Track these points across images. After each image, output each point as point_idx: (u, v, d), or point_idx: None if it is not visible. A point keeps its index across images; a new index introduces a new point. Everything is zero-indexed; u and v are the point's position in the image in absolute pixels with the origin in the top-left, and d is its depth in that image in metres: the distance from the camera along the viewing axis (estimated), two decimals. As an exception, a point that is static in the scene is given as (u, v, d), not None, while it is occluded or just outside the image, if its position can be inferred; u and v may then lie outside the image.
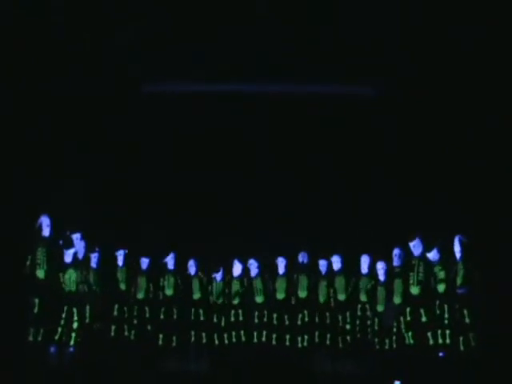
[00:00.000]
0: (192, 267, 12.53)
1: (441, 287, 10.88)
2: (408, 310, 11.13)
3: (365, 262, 12.16)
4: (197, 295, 12.45)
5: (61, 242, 11.03)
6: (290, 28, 12.56)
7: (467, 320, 10.58)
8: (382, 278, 11.80)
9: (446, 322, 10.71)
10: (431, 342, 10.76)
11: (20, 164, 12.24)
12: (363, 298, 12.01)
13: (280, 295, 12.34)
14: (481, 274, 10.80)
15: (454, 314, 10.68)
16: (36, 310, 10.64)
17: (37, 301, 10.65)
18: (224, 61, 12.98)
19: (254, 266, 12.42)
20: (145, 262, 12.56)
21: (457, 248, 10.85)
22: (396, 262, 11.52)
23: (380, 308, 11.70)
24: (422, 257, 11.05)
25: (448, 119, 12.87)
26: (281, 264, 12.49)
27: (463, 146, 12.70)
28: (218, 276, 12.45)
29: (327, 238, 12.85)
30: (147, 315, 12.35)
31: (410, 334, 11.08)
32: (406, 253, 11.27)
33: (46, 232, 10.90)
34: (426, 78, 12.80)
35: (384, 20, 12.14)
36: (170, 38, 12.41)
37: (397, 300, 11.34)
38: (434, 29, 12.17)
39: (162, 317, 12.32)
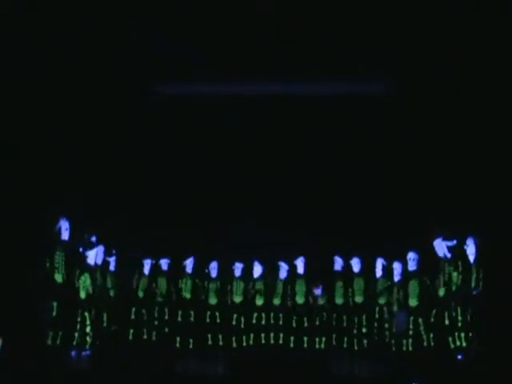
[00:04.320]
0: (213, 270, 12.60)
1: (456, 289, 11.02)
2: (432, 312, 11.25)
3: (380, 264, 12.28)
4: (213, 299, 12.53)
5: (80, 244, 11.00)
6: (294, 27, 12.62)
7: (483, 322, 10.75)
8: (397, 279, 11.90)
9: (463, 324, 10.84)
10: (450, 344, 10.89)
11: (39, 169, 12.19)
12: (381, 300, 12.10)
13: (299, 298, 12.47)
14: (495, 276, 10.96)
15: (470, 316, 10.82)
16: (54, 314, 10.67)
17: (55, 304, 10.66)
18: (228, 61, 13.01)
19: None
20: (165, 265, 12.65)
21: (470, 250, 10.98)
22: (412, 266, 11.61)
23: (396, 310, 11.81)
24: (447, 258, 11.14)
25: (462, 117, 12.97)
26: (300, 266, 12.60)
27: (479, 146, 12.81)
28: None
29: (344, 239, 12.97)
30: (166, 317, 12.48)
31: (431, 335, 11.19)
32: (426, 254, 11.35)
33: (64, 236, 10.89)
34: (434, 75, 12.94)
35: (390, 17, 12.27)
36: (182, 38, 12.44)
37: (413, 302, 11.42)
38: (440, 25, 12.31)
39: (179, 319, 12.42)
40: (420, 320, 11.34)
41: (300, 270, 12.63)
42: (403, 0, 12.20)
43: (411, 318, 11.41)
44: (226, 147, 13.84)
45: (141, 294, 12.57)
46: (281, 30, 12.70)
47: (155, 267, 12.65)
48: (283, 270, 12.61)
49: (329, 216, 13.41)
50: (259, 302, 12.51)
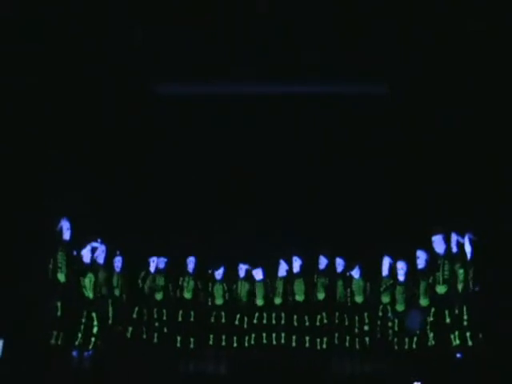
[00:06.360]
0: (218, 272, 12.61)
1: (459, 286, 10.99)
2: (433, 310, 11.24)
3: (385, 263, 12.15)
4: (219, 299, 12.53)
5: (82, 244, 11.02)
6: (294, 27, 12.63)
7: (482, 320, 10.75)
8: (401, 278, 11.87)
9: (466, 322, 10.80)
10: (452, 342, 10.84)
11: (42, 169, 12.20)
12: (384, 299, 12.03)
13: (299, 297, 12.44)
14: (493, 272, 10.97)
15: (470, 314, 10.79)
16: (58, 314, 10.68)
17: (59, 304, 10.66)
18: (228, 61, 13.01)
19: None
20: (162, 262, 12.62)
21: (468, 246, 10.97)
22: (420, 265, 11.57)
23: (400, 308, 11.77)
24: (447, 255, 11.14)
25: (463, 117, 12.95)
26: (296, 265, 12.57)
27: (479, 144, 12.82)
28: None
29: (346, 239, 12.95)
30: (165, 318, 12.44)
31: (432, 334, 11.17)
32: (430, 253, 11.35)
33: (66, 235, 10.88)
34: (435, 76, 12.95)
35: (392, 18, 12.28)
36: (182, 38, 12.44)
37: (424, 302, 11.44)
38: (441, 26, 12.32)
39: (180, 319, 12.41)
40: (428, 319, 11.28)
41: (299, 269, 12.58)
42: (403, 0, 12.21)
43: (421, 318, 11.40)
44: (225, 147, 13.81)
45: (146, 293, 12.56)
46: (281, 30, 12.69)
47: (158, 266, 12.62)
48: (283, 269, 12.59)
49: (330, 216, 13.38)
50: (260, 302, 12.49)
